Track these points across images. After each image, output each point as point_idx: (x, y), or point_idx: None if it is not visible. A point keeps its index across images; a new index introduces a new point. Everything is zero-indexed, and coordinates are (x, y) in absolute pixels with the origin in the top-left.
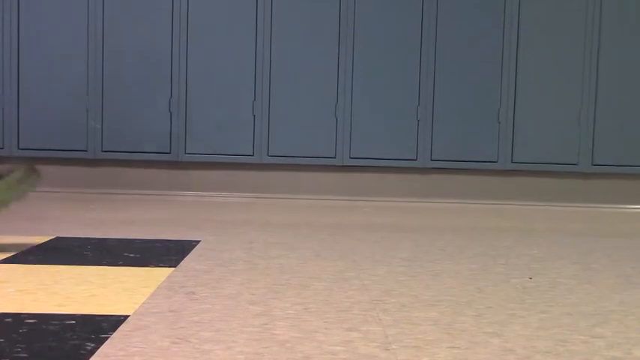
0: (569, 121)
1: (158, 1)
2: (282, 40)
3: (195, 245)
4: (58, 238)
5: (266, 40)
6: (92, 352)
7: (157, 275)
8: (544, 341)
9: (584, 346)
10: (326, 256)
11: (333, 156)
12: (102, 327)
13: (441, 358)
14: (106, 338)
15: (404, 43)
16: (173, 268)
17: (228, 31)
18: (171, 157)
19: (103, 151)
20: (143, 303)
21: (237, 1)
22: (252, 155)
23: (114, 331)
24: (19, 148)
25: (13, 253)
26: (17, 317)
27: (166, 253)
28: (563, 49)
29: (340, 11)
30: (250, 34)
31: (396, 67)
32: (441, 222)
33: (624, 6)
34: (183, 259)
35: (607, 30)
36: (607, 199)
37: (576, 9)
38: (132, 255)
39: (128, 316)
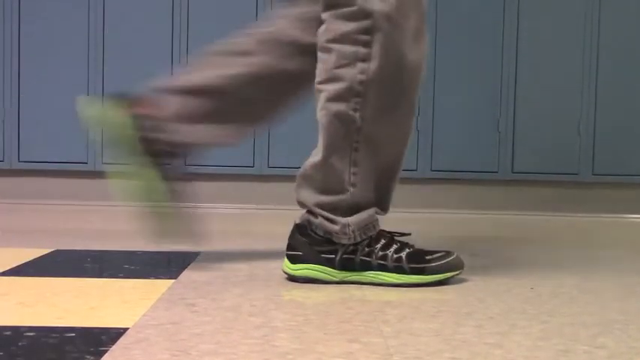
0: (569, 130)
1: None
2: None
3: (196, 257)
4: (57, 251)
5: None
6: None
7: (157, 287)
8: (546, 352)
9: (586, 356)
10: None
11: None
12: (101, 340)
13: None
14: (106, 351)
15: None
16: (173, 280)
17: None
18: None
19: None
20: (143, 315)
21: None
22: (253, 167)
23: (113, 343)
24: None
25: (12, 266)
26: (16, 330)
27: (167, 264)
28: (562, 58)
29: None
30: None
31: None
32: (440, 232)
33: (622, 18)
34: (183, 270)
35: (605, 40)
36: (608, 208)
37: (575, 20)
38: (132, 267)
39: (128, 328)
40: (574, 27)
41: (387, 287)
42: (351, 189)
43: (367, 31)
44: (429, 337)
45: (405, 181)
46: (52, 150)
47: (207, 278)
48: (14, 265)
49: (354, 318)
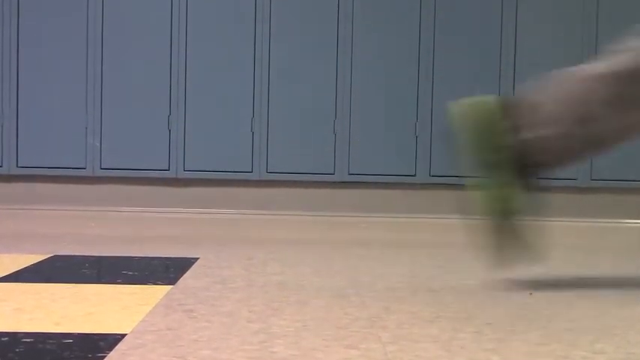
0: None
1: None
2: None
3: (194, 262)
4: (55, 256)
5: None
6: None
7: (155, 293)
8: (544, 357)
9: None
10: (325, 272)
11: (332, 172)
12: (99, 346)
13: None
14: (104, 357)
15: (401, 58)
16: (171, 286)
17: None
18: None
19: None
20: (141, 321)
21: None
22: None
23: (111, 349)
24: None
25: (10, 272)
26: (14, 336)
27: (165, 270)
28: (562, 64)
29: (338, 29)
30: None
31: (395, 84)
32: (440, 238)
33: (621, 18)
34: (181, 276)
35: (604, 43)
36: (606, 213)
37: (571, 25)
38: (130, 273)
39: (126, 334)
40: (571, 29)
41: (385, 293)
42: (563, 122)
43: None
44: (428, 343)
45: (405, 186)
46: (50, 155)
47: (205, 284)
48: (12, 271)
49: (353, 324)
